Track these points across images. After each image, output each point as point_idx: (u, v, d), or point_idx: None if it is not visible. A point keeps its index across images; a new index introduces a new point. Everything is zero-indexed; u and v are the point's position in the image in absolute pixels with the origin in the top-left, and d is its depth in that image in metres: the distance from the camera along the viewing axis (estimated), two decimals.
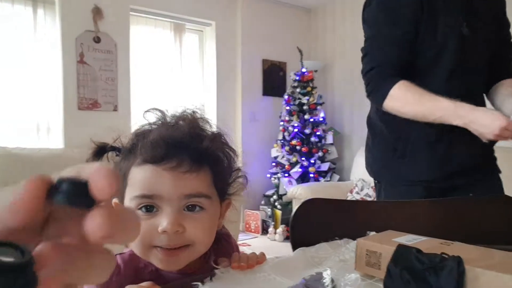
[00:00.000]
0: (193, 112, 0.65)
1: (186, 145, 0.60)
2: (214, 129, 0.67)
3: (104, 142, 0.67)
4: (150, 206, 0.59)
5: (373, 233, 0.66)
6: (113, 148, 0.66)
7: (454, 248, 0.55)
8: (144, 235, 0.57)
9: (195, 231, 0.59)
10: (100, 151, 0.66)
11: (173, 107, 0.68)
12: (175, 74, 3.90)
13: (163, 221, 0.57)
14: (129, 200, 0.60)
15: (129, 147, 0.64)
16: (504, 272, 0.46)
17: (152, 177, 0.59)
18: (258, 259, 0.62)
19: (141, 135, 0.64)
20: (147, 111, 0.66)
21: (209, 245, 0.63)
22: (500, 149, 1.50)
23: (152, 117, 0.66)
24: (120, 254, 0.64)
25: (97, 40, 3.34)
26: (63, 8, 3.21)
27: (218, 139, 0.65)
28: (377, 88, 1.16)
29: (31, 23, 3.16)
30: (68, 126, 3.25)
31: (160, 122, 0.64)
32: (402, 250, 0.53)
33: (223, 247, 0.70)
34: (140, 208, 0.59)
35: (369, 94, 1.20)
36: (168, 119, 0.64)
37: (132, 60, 3.59)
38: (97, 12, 3.30)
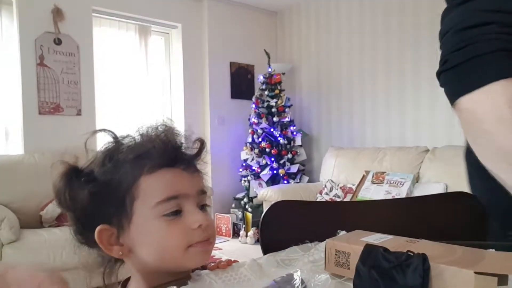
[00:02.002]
0: (165, 125, 0.64)
1: (187, 149, 0.64)
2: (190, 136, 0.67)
3: (76, 164, 0.62)
4: (176, 211, 0.58)
5: (343, 232, 0.67)
6: (86, 174, 0.61)
7: (419, 246, 0.56)
8: (182, 237, 0.58)
9: (212, 226, 0.62)
10: (72, 175, 0.60)
11: (140, 117, 0.68)
12: (140, 77, 3.83)
13: (196, 218, 0.59)
14: (149, 210, 0.58)
15: (131, 158, 0.59)
16: (465, 267, 0.47)
17: (173, 178, 0.59)
18: (233, 261, 0.65)
19: (142, 146, 0.61)
20: (96, 132, 0.66)
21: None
22: None
23: (128, 135, 0.64)
24: None
25: (58, 42, 3.23)
26: (21, 9, 3.08)
27: (204, 144, 0.67)
28: None
29: None
30: (28, 131, 3.13)
31: (147, 133, 0.63)
32: (369, 250, 0.54)
33: None
34: (167, 214, 0.58)
35: None
36: (152, 130, 0.63)
37: (96, 63, 3.50)
38: (57, 13, 3.19)
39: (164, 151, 0.60)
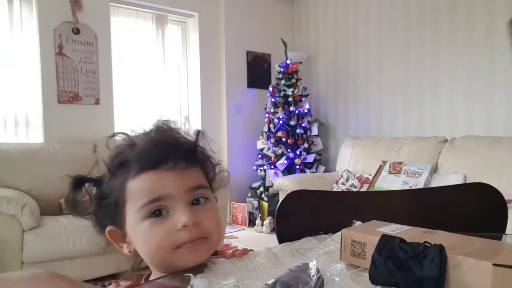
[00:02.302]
0: (166, 120, 0.65)
1: (175, 146, 0.62)
2: (191, 131, 0.67)
3: (80, 174, 0.65)
4: (158, 211, 0.59)
5: (358, 222, 0.67)
6: (91, 180, 0.65)
7: (436, 237, 0.56)
8: (165, 238, 0.58)
9: (209, 221, 0.61)
10: (77, 183, 0.64)
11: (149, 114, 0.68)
12: (157, 66, 3.85)
13: (180, 217, 0.58)
14: (135, 213, 0.60)
15: (117, 164, 0.62)
16: (483, 259, 0.47)
17: (155, 181, 0.60)
18: (249, 250, 0.65)
19: (127, 148, 0.63)
20: (113, 135, 0.66)
21: (221, 236, 0.64)
22: None
23: (124, 138, 0.65)
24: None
25: (77, 31, 3.27)
26: None
27: (200, 136, 0.66)
28: None
29: (6, 14, 3.07)
30: (48, 120, 3.19)
31: (140, 135, 0.64)
32: (386, 240, 0.54)
33: None
34: (150, 216, 0.59)
35: None
36: (147, 131, 0.64)
37: (114, 52, 3.53)
38: (75, 3, 3.22)
39: (147, 154, 0.60)
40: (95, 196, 0.63)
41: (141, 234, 0.60)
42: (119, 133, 0.65)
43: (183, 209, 0.59)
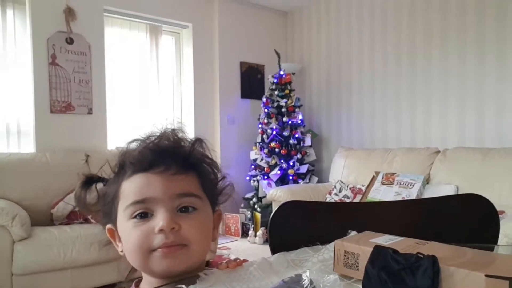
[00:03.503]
0: (173, 129, 0.67)
1: (171, 152, 0.63)
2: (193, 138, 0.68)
3: (92, 173, 0.69)
4: (144, 213, 0.60)
5: (354, 232, 0.67)
6: (100, 179, 0.68)
7: (429, 248, 0.56)
8: (142, 240, 0.59)
9: (190, 229, 0.60)
10: (88, 182, 0.67)
11: (153, 121, 0.70)
12: (151, 77, 3.85)
13: (158, 221, 0.58)
14: (122, 212, 0.61)
15: (118, 167, 0.66)
16: (475, 269, 0.47)
17: (142, 183, 0.61)
18: (242, 261, 0.64)
19: (127, 152, 0.65)
20: (132, 142, 0.67)
21: (205, 249, 0.64)
22: None
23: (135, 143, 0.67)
24: None
25: (70, 41, 3.27)
26: (33, 8, 3.13)
27: (199, 143, 0.67)
28: None
29: None
30: (40, 130, 3.17)
31: (143, 139, 0.66)
32: (379, 251, 0.54)
33: None
34: (135, 217, 0.60)
35: None
36: (151, 138, 0.66)
37: (107, 62, 3.53)
38: (69, 13, 3.23)
39: (141, 158, 0.62)
40: (101, 195, 0.66)
41: (125, 234, 0.61)
42: (136, 139, 0.67)
43: (163, 213, 0.58)
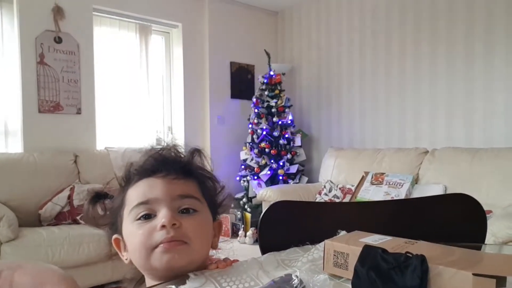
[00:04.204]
0: (174, 144, 0.73)
1: (171, 160, 0.69)
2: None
3: (99, 190, 0.73)
4: (147, 215, 0.63)
5: (343, 232, 0.67)
6: (107, 195, 0.72)
7: (418, 247, 0.56)
8: (145, 238, 0.61)
9: (190, 227, 0.63)
10: (96, 198, 0.71)
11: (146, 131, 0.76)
12: (141, 77, 3.82)
13: (160, 218, 0.61)
14: (127, 216, 0.65)
15: (124, 178, 0.70)
16: (463, 268, 0.47)
17: (146, 186, 0.66)
18: (232, 261, 0.66)
19: (132, 164, 0.70)
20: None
21: (205, 249, 0.66)
22: None
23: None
24: None
25: (58, 40, 3.23)
26: (21, 7, 3.08)
27: (197, 153, 0.72)
28: None
29: None
30: (28, 130, 3.13)
31: (146, 151, 0.71)
32: (368, 250, 0.54)
33: None
34: (139, 218, 0.63)
35: None
36: (154, 150, 0.72)
37: (96, 62, 3.50)
38: (58, 12, 3.19)
39: (145, 166, 0.68)
40: (108, 209, 0.71)
41: (130, 235, 0.64)
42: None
43: (166, 211, 0.62)
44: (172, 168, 0.67)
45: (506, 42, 3.05)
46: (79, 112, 3.36)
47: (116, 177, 0.71)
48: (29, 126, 3.13)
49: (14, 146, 3.14)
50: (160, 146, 0.72)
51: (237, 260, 0.66)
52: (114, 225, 0.69)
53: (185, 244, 0.61)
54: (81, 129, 3.35)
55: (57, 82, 3.24)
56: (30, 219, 2.72)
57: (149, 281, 0.65)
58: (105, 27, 3.64)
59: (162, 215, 0.61)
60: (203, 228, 0.66)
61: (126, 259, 0.68)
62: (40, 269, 0.62)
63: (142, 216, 0.63)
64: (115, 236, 0.69)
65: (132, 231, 0.63)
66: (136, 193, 0.65)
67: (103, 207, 0.70)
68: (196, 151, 0.72)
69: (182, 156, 0.71)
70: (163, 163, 0.67)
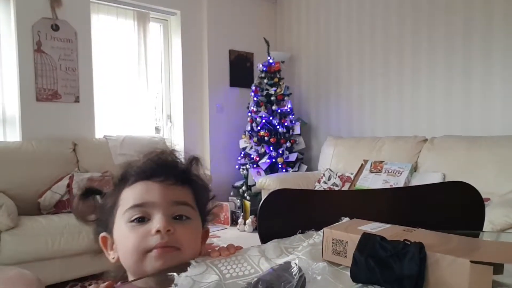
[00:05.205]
0: (172, 149, 0.74)
1: (170, 165, 0.70)
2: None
3: (90, 186, 0.73)
4: (141, 218, 0.64)
5: (346, 219, 0.67)
6: (98, 191, 0.72)
7: (416, 235, 0.57)
8: (139, 241, 0.62)
9: (184, 235, 0.64)
10: (86, 193, 0.72)
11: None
12: (139, 64, 3.80)
13: (156, 223, 0.62)
14: (121, 216, 0.65)
15: (120, 177, 0.70)
16: (461, 256, 0.48)
17: (143, 189, 0.66)
18: (236, 248, 0.66)
19: (130, 164, 0.70)
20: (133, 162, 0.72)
21: (195, 256, 0.65)
22: None
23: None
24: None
25: (56, 28, 3.20)
26: None
27: (195, 161, 0.73)
28: None
29: None
30: (26, 118, 3.11)
31: (145, 155, 0.72)
32: (367, 238, 0.54)
33: None
34: (133, 220, 0.64)
35: None
36: (153, 153, 0.72)
37: (94, 50, 3.47)
38: None
39: (144, 168, 0.68)
40: (98, 206, 0.71)
41: (122, 237, 0.64)
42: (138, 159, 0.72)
43: (160, 217, 0.63)
44: (171, 173, 0.68)
45: (504, 30, 3.03)
46: (77, 100, 3.34)
47: (112, 174, 0.72)
48: (27, 114, 3.12)
49: (12, 134, 3.13)
50: (159, 150, 0.72)
51: (241, 247, 0.66)
52: (103, 223, 0.69)
53: (177, 250, 0.63)
54: (79, 117, 3.34)
55: (55, 70, 3.22)
56: (29, 207, 2.73)
57: (131, 279, 0.65)
58: (102, 15, 3.61)
59: (158, 220, 0.62)
60: (195, 236, 0.67)
61: (113, 258, 0.68)
62: (11, 275, 0.63)
63: (136, 218, 0.63)
64: (103, 234, 0.69)
65: (125, 233, 0.63)
66: (132, 195, 0.66)
67: (93, 203, 0.70)
68: (195, 159, 0.73)
69: (181, 162, 0.71)
70: (162, 168, 0.68)
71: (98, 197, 0.72)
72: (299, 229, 0.73)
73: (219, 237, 3.73)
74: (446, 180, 2.86)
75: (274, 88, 4.03)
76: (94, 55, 3.47)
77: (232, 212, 4.08)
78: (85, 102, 3.38)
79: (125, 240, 0.64)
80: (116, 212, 0.67)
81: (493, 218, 2.06)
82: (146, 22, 3.84)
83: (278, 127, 4.00)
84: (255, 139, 4.02)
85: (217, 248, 0.65)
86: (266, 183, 3.46)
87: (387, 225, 0.62)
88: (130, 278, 0.66)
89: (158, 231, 0.61)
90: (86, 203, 0.71)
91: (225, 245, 0.67)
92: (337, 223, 0.65)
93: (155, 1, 3.84)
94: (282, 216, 0.81)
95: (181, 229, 0.64)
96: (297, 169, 4.03)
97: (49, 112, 3.20)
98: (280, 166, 3.95)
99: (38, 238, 2.42)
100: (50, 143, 3.03)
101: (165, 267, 0.61)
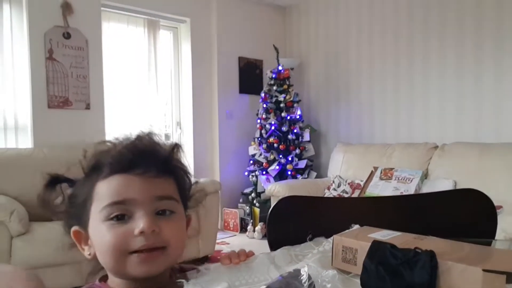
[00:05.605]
0: (149, 132, 0.66)
1: (150, 154, 0.62)
2: (170, 143, 0.67)
3: (57, 173, 0.66)
4: (121, 215, 0.58)
5: (357, 226, 0.67)
6: (67, 180, 0.65)
7: (427, 243, 0.56)
8: (119, 242, 0.57)
9: (170, 231, 0.59)
10: (53, 182, 0.65)
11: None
12: (149, 72, 3.83)
13: (139, 223, 0.57)
14: (97, 213, 0.59)
15: (91, 166, 0.63)
16: (473, 264, 0.47)
17: (122, 184, 0.59)
18: (247, 254, 0.64)
19: (103, 152, 0.63)
20: (102, 142, 0.66)
21: (182, 251, 0.63)
22: None
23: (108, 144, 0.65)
24: (89, 285, 0.62)
25: (67, 36, 3.25)
26: (30, 3, 3.10)
27: (177, 149, 0.66)
28: None
29: None
30: (38, 125, 3.15)
31: (117, 141, 0.64)
32: (377, 246, 0.54)
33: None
34: (111, 218, 0.58)
35: None
36: (126, 140, 0.65)
37: (105, 57, 3.51)
38: (66, 7, 3.21)
39: (120, 158, 0.60)
40: (67, 196, 0.64)
41: (99, 235, 0.59)
42: (106, 141, 0.65)
43: (144, 216, 0.57)
44: (151, 164, 0.60)
45: None
46: (88, 107, 3.38)
47: (81, 164, 0.65)
48: (38, 121, 3.16)
49: (24, 141, 3.17)
50: (132, 136, 0.64)
51: (253, 253, 0.64)
52: (75, 216, 0.63)
53: (163, 250, 0.58)
54: (90, 124, 3.37)
55: (66, 77, 3.26)
56: (40, 213, 2.75)
57: (111, 277, 0.62)
58: (113, 23, 3.66)
59: (141, 220, 0.57)
60: (181, 231, 0.63)
61: (89, 254, 0.62)
62: (6, 271, 0.57)
63: (115, 216, 0.58)
64: (76, 228, 0.63)
65: (103, 232, 0.58)
66: (109, 190, 0.59)
67: (61, 193, 0.64)
68: (176, 146, 0.66)
69: (161, 148, 0.64)
70: (141, 158, 0.60)
71: (65, 185, 0.65)
72: (308, 236, 0.73)
73: (228, 243, 3.72)
74: (457, 187, 2.82)
75: (283, 95, 4.04)
76: (105, 63, 3.51)
77: (242, 219, 4.08)
78: (96, 109, 3.42)
79: (103, 239, 0.58)
80: (91, 207, 0.60)
81: (506, 226, 2.03)
82: (156, 30, 3.88)
83: (287, 134, 4.00)
84: (264, 146, 4.02)
85: (227, 256, 0.63)
86: (275, 190, 3.45)
87: (398, 233, 0.61)
88: (110, 276, 0.62)
89: (142, 232, 0.56)
90: (53, 192, 0.63)
91: (236, 250, 0.65)
92: (347, 231, 0.65)
93: (165, 9, 3.89)
94: (292, 223, 0.80)
95: (166, 226, 0.59)
96: (306, 176, 4.02)
97: (61, 119, 3.24)
98: (289, 173, 3.94)
99: (49, 244, 2.44)
100: (61, 150, 3.06)
101: (152, 272, 0.58)
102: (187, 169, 0.68)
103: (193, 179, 0.70)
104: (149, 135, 0.65)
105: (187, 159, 0.69)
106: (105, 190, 0.59)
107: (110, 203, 0.58)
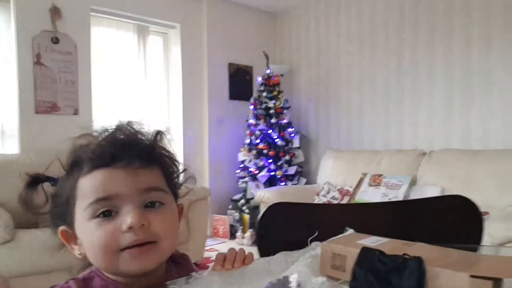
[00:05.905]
0: (129, 121, 0.63)
1: (131, 145, 0.59)
2: (152, 130, 0.65)
3: (37, 172, 0.64)
4: (107, 211, 0.56)
5: (351, 230, 0.67)
6: (47, 178, 0.63)
7: (415, 249, 0.56)
8: (108, 240, 0.55)
9: (160, 224, 0.57)
10: (34, 182, 0.62)
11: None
12: (138, 77, 3.82)
13: (126, 218, 0.55)
14: (82, 211, 0.57)
15: (71, 162, 0.61)
16: (460, 270, 0.47)
17: (105, 179, 0.57)
18: (245, 258, 0.61)
19: (82, 147, 0.61)
20: (80, 136, 0.63)
21: (174, 243, 0.61)
22: None
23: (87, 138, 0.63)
24: (74, 279, 0.60)
25: (56, 40, 3.22)
26: (18, 7, 3.07)
27: (160, 136, 0.64)
28: None
29: None
30: (25, 131, 3.11)
31: (97, 134, 0.62)
32: (366, 252, 0.54)
33: (183, 267, 0.67)
34: (98, 215, 0.56)
35: None
36: (106, 132, 0.62)
37: (94, 63, 3.49)
38: (55, 12, 3.18)
39: (100, 152, 0.58)
40: (51, 195, 0.61)
41: (87, 234, 0.57)
42: (85, 134, 0.63)
43: (131, 210, 0.55)
44: (134, 154, 0.58)
45: (502, 45, 3.06)
46: (76, 113, 3.34)
47: (60, 161, 0.62)
48: (25, 127, 3.11)
49: (11, 147, 3.13)
50: (112, 127, 0.62)
51: (251, 259, 0.62)
52: (60, 216, 0.61)
53: (154, 244, 0.56)
54: (78, 130, 3.34)
55: (54, 82, 3.23)
56: (26, 220, 2.71)
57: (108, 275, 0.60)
58: (102, 28, 3.64)
59: (128, 215, 0.54)
60: (172, 223, 0.60)
61: (79, 254, 0.60)
62: None
63: (101, 213, 0.56)
64: (63, 228, 0.61)
65: (90, 230, 0.56)
66: (92, 186, 0.56)
67: (44, 193, 0.61)
68: (159, 133, 0.63)
69: (140, 136, 0.61)
70: (123, 149, 0.58)
71: (48, 184, 0.62)
72: (298, 242, 0.73)
73: (218, 250, 3.70)
74: (445, 193, 2.85)
75: (273, 101, 4.05)
76: (94, 68, 3.49)
77: (231, 226, 4.06)
78: (84, 114, 3.39)
79: (91, 239, 0.56)
80: (75, 205, 0.58)
81: (492, 232, 2.05)
82: (146, 35, 3.87)
83: (277, 140, 4.00)
84: (254, 152, 4.02)
85: (221, 261, 0.60)
86: (265, 197, 3.44)
87: (386, 239, 0.61)
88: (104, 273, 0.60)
89: (130, 227, 0.54)
90: (35, 193, 0.60)
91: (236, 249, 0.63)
92: (335, 237, 0.65)
93: (155, 15, 3.88)
94: (281, 229, 0.80)
95: (156, 219, 0.57)
96: (296, 182, 4.02)
97: (48, 124, 3.20)
98: (279, 179, 3.94)
99: (35, 251, 2.40)
100: (48, 156, 3.01)
101: (145, 267, 0.56)
102: (173, 156, 0.65)
103: (181, 167, 0.67)
104: (129, 124, 0.62)
105: (173, 146, 0.66)
106: (88, 187, 0.57)
107: (95, 200, 0.56)
